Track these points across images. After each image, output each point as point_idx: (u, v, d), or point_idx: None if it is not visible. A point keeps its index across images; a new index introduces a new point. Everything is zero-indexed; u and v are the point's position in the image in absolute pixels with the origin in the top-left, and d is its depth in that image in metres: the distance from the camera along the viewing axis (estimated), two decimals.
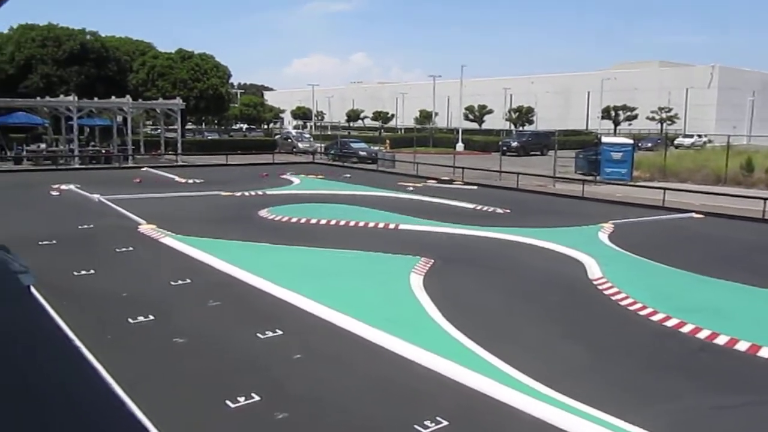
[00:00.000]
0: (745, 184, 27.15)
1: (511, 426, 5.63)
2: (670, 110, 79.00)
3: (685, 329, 8.37)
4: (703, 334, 8.15)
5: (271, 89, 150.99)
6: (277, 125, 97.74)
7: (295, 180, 26.60)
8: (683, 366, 7.28)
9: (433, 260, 11.85)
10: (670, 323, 8.61)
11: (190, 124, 60.73)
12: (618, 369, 7.13)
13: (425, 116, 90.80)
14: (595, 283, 10.80)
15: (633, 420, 5.57)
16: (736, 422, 5.89)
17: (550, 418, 5.65)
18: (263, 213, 17.43)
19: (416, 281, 10.41)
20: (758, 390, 6.63)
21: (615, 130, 76.31)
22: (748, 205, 19.75)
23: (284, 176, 27.61)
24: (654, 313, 9.01)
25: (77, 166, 31.64)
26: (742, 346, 7.74)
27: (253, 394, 5.98)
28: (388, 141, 54.12)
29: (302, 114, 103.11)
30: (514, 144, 50.06)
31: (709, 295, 10.39)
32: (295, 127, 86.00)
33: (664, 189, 21.70)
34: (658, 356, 7.57)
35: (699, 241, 15.32)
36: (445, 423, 5.51)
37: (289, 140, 48.19)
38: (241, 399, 5.88)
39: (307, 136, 53.33)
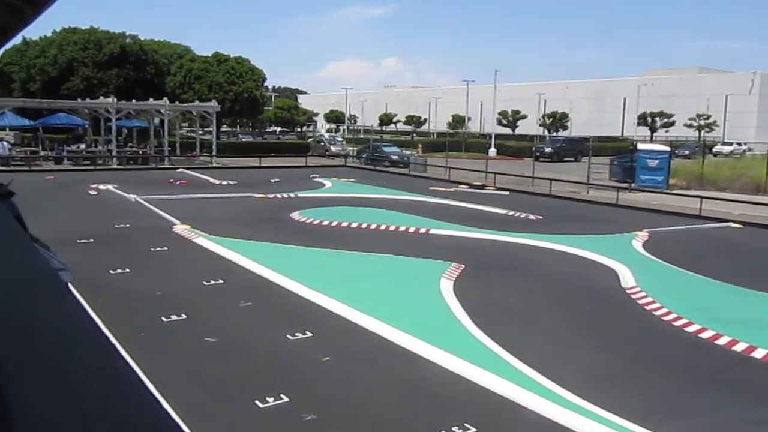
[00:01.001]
0: None
1: (536, 431, 5.58)
2: (708, 117, 77.36)
3: (722, 341, 8.19)
4: (740, 347, 7.97)
5: (304, 93, 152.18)
6: (310, 128, 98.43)
7: (327, 183, 26.76)
8: (719, 379, 7.12)
9: (463, 265, 11.80)
10: (705, 335, 8.44)
11: (224, 126, 61.54)
12: (651, 380, 7.02)
13: (458, 121, 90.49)
14: (628, 292, 10.63)
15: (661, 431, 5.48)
16: None
17: (581, 429, 5.58)
18: (295, 215, 17.58)
19: (446, 286, 10.38)
20: None
21: (651, 136, 75.05)
22: None
23: (316, 179, 27.78)
24: (689, 324, 8.83)
25: (115, 166, 32.32)
26: None
27: (282, 395, 6.03)
28: (420, 145, 54.08)
29: (335, 117, 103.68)
30: (548, 150, 49.55)
31: (747, 306, 10.14)
32: (327, 131, 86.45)
33: (701, 197, 21.24)
34: (692, 368, 7.42)
35: (737, 251, 14.97)
36: (473, 430, 5.49)
37: (322, 143, 48.47)
38: (270, 399, 5.94)
39: (340, 139, 53.56)
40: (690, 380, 7.04)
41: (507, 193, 25.68)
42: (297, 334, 7.85)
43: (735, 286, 11.17)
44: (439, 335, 7.88)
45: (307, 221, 16.85)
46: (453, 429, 5.47)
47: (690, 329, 8.68)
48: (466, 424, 5.56)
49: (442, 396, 6.31)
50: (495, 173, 29.12)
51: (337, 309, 8.93)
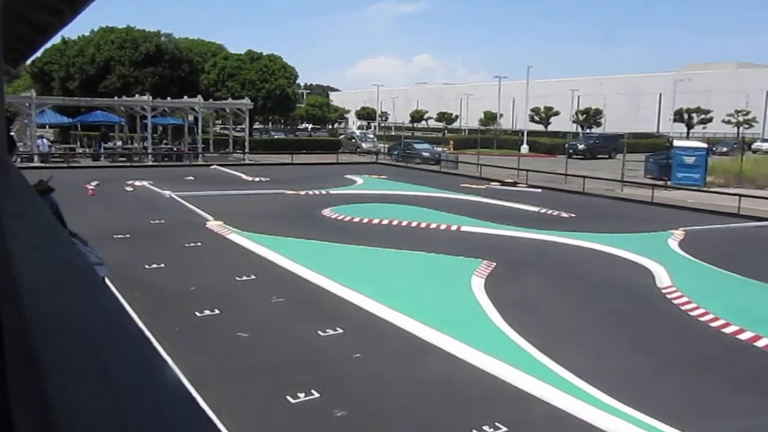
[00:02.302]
0: None
1: (567, 430, 5.52)
2: (747, 113, 75.50)
3: (760, 343, 7.99)
4: None
5: (336, 90, 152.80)
6: (342, 125, 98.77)
7: (359, 180, 26.82)
8: (757, 382, 6.95)
9: (495, 263, 11.73)
10: (743, 336, 8.24)
11: (257, 123, 62.16)
12: (686, 382, 6.88)
13: (490, 117, 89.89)
14: (663, 291, 10.44)
15: None
16: None
17: (613, 429, 5.50)
18: (326, 212, 17.66)
19: (477, 284, 10.32)
20: None
21: (688, 133, 73.52)
22: None
23: (347, 176, 27.87)
24: (726, 325, 8.64)
25: (150, 163, 32.87)
26: None
27: (313, 391, 6.07)
28: (451, 142, 53.88)
29: (366, 114, 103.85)
30: (581, 146, 48.86)
31: None
32: (359, 128, 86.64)
33: (740, 196, 20.73)
34: (730, 371, 7.26)
35: None
36: (504, 429, 5.45)
37: (353, 140, 48.59)
38: (301, 395, 5.98)
39: (371, 136, 53.61)
40: (727, 383, 6.88)
41: (539, 190, 25.42)
42: (328, 330, 7.89)
43: None
44: (469, 333, 7.85)
45: (339, 218, 16.92)
46: (484, 428, 5.45)
47: (727, 330, 8.49)
48: (497, 423, 5.53)
49: (472, 394, 6.28)
50: (527, 170, 28.84)
51: (368, 306, 8.96)
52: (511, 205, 20.53)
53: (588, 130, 78.24)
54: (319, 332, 7.82)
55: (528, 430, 5.57)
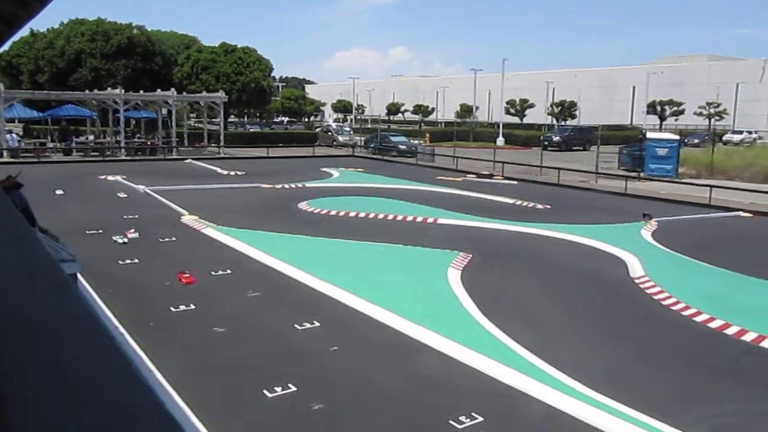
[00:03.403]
0: None
1: (548, 425, 5.58)
2: (718, 105, 76.70)
3: (730, 331, 8.15)
4: (749, 337, 7.93)
5: (312, 82, 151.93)
6: (318, 118, 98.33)
7: (335, 173, 26.75)
8: (727, 369, 7.10)
9: (471, 255, 11.79)
10: (714, 324, 8.40)
11: (232, 116, 61.52)
12: (659, 370, 7.00)
13: (466, 110, 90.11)
14: (637, 281, 10.59)
15: (674, 423, 5.47)
16: None
17: (589, 419, 5.58)
18: (303, 205, 17.59)
19: (454, 276, 10.37)
20: None
21: (660, 125, 74.49)
22: None
23: (324, 169, 27.76)
24: (698, 313, 8.80)
25: (123, 157, 32.41)
26: None
27: (290, 385, 6.06)
28: (428, 135, 53.96)
29: (342, 107, 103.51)
30: (556, 139, 49.28)
31: (756, 296, 10.08)
32: (335, 121, 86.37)
33: (711, 186, 21.09)
34: (701, 358, 7.40)
35: (746, 241, 14.87)
36: (480, 419, 5.50)
37: (330, 133, 48.43)
38: (278, 389, 5.96)
39: (348, 129, 53.45)
40: (698, 370, 7.01)
41: (515, 182, 25.60)
42: (305, 324, 7.87)
43: (744, 275, 11.10)
44: (446, 325, 7.89)
45: (315, 211, 16.86)
46: (461, 418, 5.48)
47: (699, 319, 8.64)
48: (473, 413, 5.57)
49: (449, 385, 6.32)
50: (503, 162, 29.00)
51: (345, 299, 8.95)
52: (487, 197, 20.64)
53: (563, 123, 78.89)
54: (296, 326, 7.80)
55: (504, 421, 5.61)
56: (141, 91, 36.88)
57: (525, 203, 19.33)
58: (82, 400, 0.64)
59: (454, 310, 8.66)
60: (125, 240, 12.46)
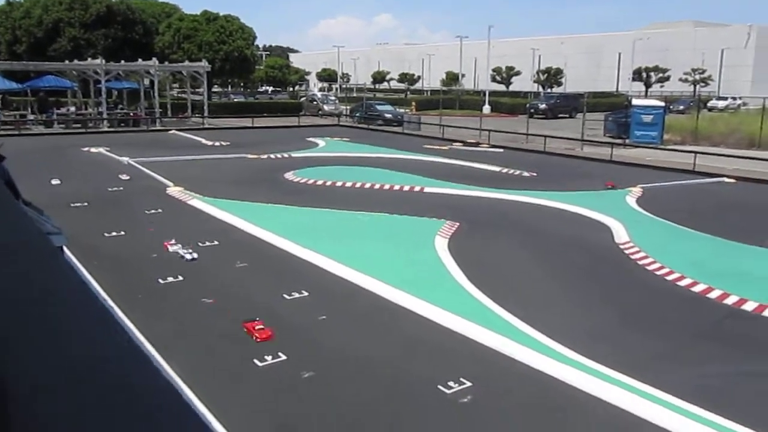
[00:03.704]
0: None
1: (536, 389, 5.68)
2: (704, 72, 76.84)
3: (713, 295, 8.29)
4: (730, 300, 8.07)
5: (296, 51, 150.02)
6: (303, 88, 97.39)
7: (321, 142, 26.59)
8: (710, 332, 7.23)
9: (458, 223, 11.84)
10: (697, 289, 8.54)
11: (216, 86, 60.77)
12: (643, 334, 7.12)
13: (452, 78, 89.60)
14: (621, 247, 10.71)
15: (659, 385, 5.58)
16: (763, 389, 5.86)
17: (575, 382, 5.68)
18: (289, 175, 17.52)
19: (441, 244, 10.43)
20: None
21: (646, 92, 74.59)
22: None
23: (309, 139, 27.57)
24: (681, 278, 8.93)
25: (106, 129, 31.98)
26: None
27: (280, 354, 6.10)
28: (414, 103, 53.68)
29: (327, 76, 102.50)
30: (542, 106, 49.21)
31: (738, 260, 10.23)
32: (320, 90, 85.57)
33: (695, 153, 21.24)
34: (684, 322, 7.53)
35: (729, 206, 15.04)
36: (468, 384, 5.58)
37: (315, 102, 48.04)
38: (269, 358, 6.01)
39: (333, 98, 53.02)
40: (681, 333, 7.14)
41: (501, 150, 25.61)
42: (293, 293, 7.90)
43: (727, 240, 11.25)
44: (434, 292, 7.95)
45: (302, 181, 16.81)
46: (449, 383, 5.57)
47: (682, 283, 8.77)
48: (462, 378, 5.65)
49: (438, 351, 6.40)
50: (489, 131, 28.97)
51: (333, 268, 8.98)
52: (474, 165, 20.66)
53: (549, 90, 78.71)
54: (285, 296, 7.83)
55: (492, 385, 5.70)
56: (122, 61, 36.22)
57: (511, 171, 19.38)
58: (81, 374, 0.64)
59: (441, 277, 8.72)
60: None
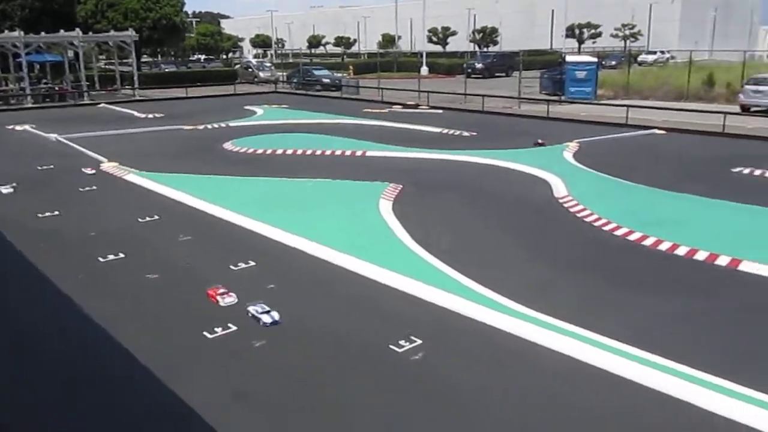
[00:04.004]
0: (706, 100, 27.48)
1: (485, 342, 5.83)
2: (633, 27, 78.62)
3: (648, 242, 8.65)
4: (664, 246, 8.44)
5: (227, 17, 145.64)
6: (237, 55, 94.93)
7: (259, 110, 26.09)
8: (646, 277, 7.56)
9: (401, 185, 11.91)
10: (633, 237, 8.88)
11: (145, 56, 58.46)
12: (583, 282, 7.38)
13: (388, 40, 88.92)
14: (561, 201, 11.01)
15: (599, 330, 5.82)
16: (697, 327, 6.19)
17: (521, 333, 5.87)
18: (228, 145, 17.18)
19: (385, 206, 10.48)
20: (717, 296, 6.95)
21: (579, 48, 75.88)
22: (708, 119, 20.08)
23: (247, 107, 27.00)
24: (618, 228, 9.27)
25: (30, 105, 30.46)
26: (701, 255, 8.05)
27: (230, 325, 6.07)
28: (351, 67, 53.16)
29: (262, 42, 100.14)
30: (479, 66, 49.57)
31: (671, 208, 10.68)
32: (255, 56, 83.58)
33: (628, 106, 21.86)
34: (621, 269, 7.84)
35: (661, 157, 15.61)
36: (419, 341, 5.69)
37: (250, 70, 46.93)
38: (219, 329, 5.97)
39: (268, 64, 51.87)
40: (620, 279, 7.44)
41: (441, 111, 25.73)
42: (240, 264, 7.83)
43: (659, 189, 11.71)
44: (380, 254, 8.02)
45: (241, 151, 16.51)
46: (400, 342, 5.66)
47: (619, 232, 9.11)
48: (412, 337, 5.76)
49: (387, 312, 6.48)
50: (428, 92, 29.04)
51: (278, 236, 8.93)
52: (414, 127, 20.72)
53: (485, 50, 79.14)
54: (231, 267, 7.75)
55: (442, 341, 5.83)
56: (42, 33, 34.39)
57: (452, 131, 19.53)
58: (25, 345, 0.62)
59: (387, 240, 8.79)
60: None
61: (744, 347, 5.72)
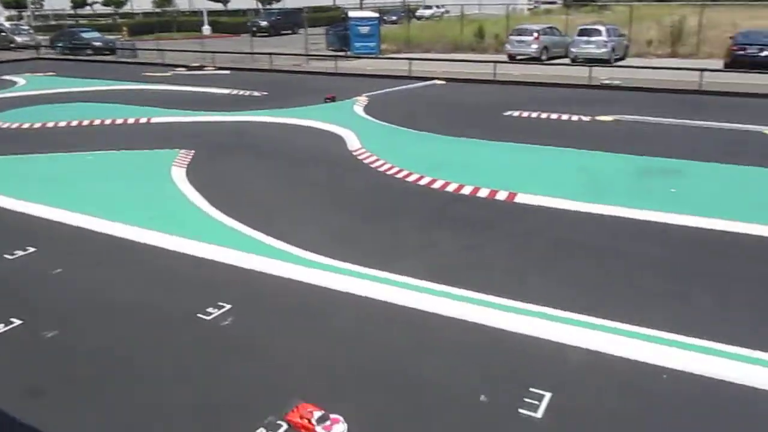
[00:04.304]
0: (479, 50, 29.77)
1: (294, 298, 5.91)
2: None
3: (437, 185, 9.29)
4: (451, 188, 9.13)
5: None
6: None
7: (21, 80, 23.21)
8: (437, 217, 8.14)
9: (193, 151, 11.46)
10: (423, 182, 9.48)
11: None
12: (380, 228, 7.76)
13: None
14: (355, 154, 11.35)
15: (396, 270, 6.20)
16: (484, 255, 6.84)
17: (328, 284, 6.04)
18: None
19: (178, 174, 10.03)
20: (498, 227, 7.71)
21: (361, 3, 77.46)
22: (481, 69, 21.79)
23: (5, 77, 23.88)
24: (409, 174, 9.82)
25: None
26: (483, 192, 8.85)
27: (12, 319, 5.48)
28: (125, 28, 49.11)
29: (15, 3, 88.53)
30: (264, 23, 48.62)
31: (453, 153, 11.53)
32: (8, 19, 73.72)
33: (410, 60, 22.94)
34: (415, 211, 8.35)
35: (442, 105, 16.70)
36: (228, 306, 5.61)
37: (4, 34, 41.43)
38: (1, 326, 5.36)
39: (26, 28, 46.17)
40: (415, 221, 7.93)
41: (228, 72, 24.97)
42: (17, 252, 7.04)
43: (443, 135, 12.59)
44: (178, 224, 7.72)
45: (6, 126, 14.65)
46: (208, 310, 5.54)
47: (411, 179, 9.67)
48: (220, 303, 5.65)
49: (192, 281, 6.28)
50: (213, 52, 27.96)
51: (61, 217, 8.15)
52: (202, 89, 19.92)
53: (268, 7, 77.58)
54: (7, 256, 6.95)
55: (250, 301, 5.80)
56: None
57: (241, 92, 19.10)
58: None
59: (183, 208, 8.45)
60: None
61: (526, 267, 6.45)
